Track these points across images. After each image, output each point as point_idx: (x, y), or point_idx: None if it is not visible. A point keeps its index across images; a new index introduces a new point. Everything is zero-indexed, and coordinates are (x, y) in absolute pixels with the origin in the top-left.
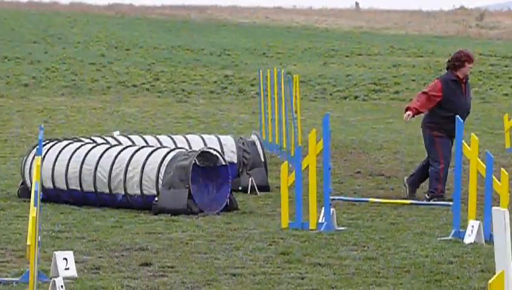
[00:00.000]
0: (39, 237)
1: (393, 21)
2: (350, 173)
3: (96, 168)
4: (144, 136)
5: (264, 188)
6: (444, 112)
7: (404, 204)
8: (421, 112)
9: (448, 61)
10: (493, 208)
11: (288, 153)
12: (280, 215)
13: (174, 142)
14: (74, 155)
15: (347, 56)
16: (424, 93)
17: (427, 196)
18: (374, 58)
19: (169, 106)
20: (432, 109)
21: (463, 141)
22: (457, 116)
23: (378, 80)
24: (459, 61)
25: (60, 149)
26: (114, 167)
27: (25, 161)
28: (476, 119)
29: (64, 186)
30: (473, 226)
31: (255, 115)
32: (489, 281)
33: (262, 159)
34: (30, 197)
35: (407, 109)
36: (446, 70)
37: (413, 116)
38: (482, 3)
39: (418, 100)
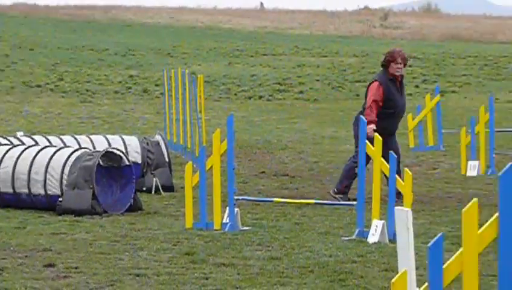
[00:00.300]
0: None
1: (297, 21)
2: (254, 173)
3: None
4: (47, 136)
5: (169, 188)
6: (383, 110)
7: (308, 204)
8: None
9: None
10: (396, 207)
11: (193, 153)
12: (184, 215)
13: (78, 143)
14: None
15: (252, 56)
16: (374, 101)
17: (331, 191)
18: (279, 58)
19: (74, 106)
20: None
21: (366, 141)
22: (361, 116)
23: (282, 80)
24: (384, 60)
25: None
26: (17, 166)
27: None
28: None
29: None
30: (376, 226)
31: (160, 115)
32: (392, 281)
33: (167, 159)
34: None
35: (369, 123)
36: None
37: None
38: (386, 4)
39: (372, 111)
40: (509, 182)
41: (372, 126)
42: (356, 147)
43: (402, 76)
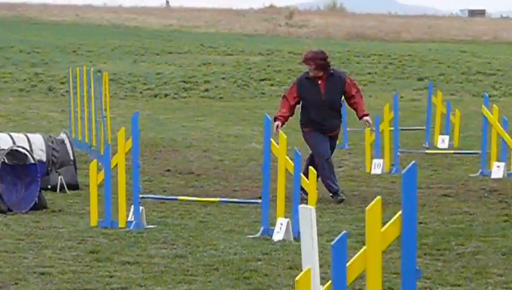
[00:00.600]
0: None
1: (203, 19)
2: (160, 171)
3: None
4: None
5: (73, 186)
6: (303, 108)
7: (213, 202)
8: (287, 116)
9: None
10: (300, 205)
11: (98, 152)
12: (89, 213)
13: None
14: None
15: (157, 54)
16: (283, 97)
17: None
18: (184, 56)
19: None
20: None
21: (271, 139)
22: (267, 115)
23: (188, 78)
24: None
25: None
26: None
27: None
28: None
29: None
30: (281, 224)
31: (65, 113)
32: (296, 278)
33: (72, 158)
34: None
35: (275, 119)
36: None
37: (282, 124)
38: (291, 2)
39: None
40: (412, 180)
41: (277, 123)
42: None
43: (328, 74)
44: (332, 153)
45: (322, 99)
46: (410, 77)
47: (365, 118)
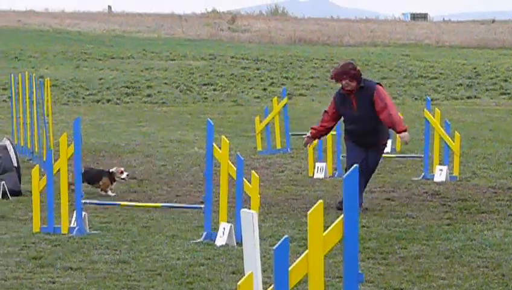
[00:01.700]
0: None
1: (145, 24)
2: None
3: None
4: None
5: (16, 192)
6: (345, 122)
7: (156, 207)
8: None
9: None
10: (242, 210)
11: (41, 157)
12: (32, 219)
13: None
14: None
15: (99, 59)
16: (325, 111)
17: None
18: (127, 61)
19: None
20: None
21: (214, 144)
22: (209, 120)
23: (130, 83)
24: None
25: None
26: None
27: None
28: (228, 122)
29: None
30: (224, 229)
31: (7, 119)
32: (238, 283)
33: (15, 164)
34: None
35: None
36: None
37: (312, 136)
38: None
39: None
40: (354, 184)
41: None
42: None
43: (356, 89)
44: (372, 165)
45: (354, 115)
46: None
47: (400, 134)
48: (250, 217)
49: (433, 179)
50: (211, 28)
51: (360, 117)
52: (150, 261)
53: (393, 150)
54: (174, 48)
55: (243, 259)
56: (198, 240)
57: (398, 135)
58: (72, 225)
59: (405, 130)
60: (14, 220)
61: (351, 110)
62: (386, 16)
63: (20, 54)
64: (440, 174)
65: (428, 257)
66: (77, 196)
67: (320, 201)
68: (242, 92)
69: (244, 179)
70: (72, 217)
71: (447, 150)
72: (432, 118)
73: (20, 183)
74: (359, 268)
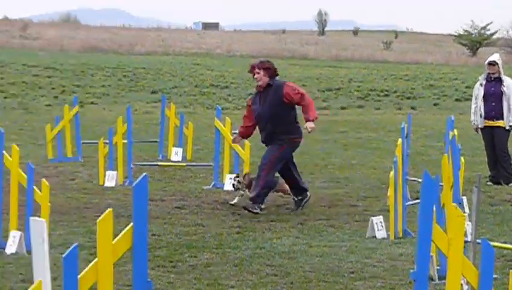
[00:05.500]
0: None
1: None
2: None
3: None
4: None
5: None
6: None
7: None
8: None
9: None
10: (31, 218)
11: None
12: None
13: None
14: None
15: None
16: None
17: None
18: None
19: None
20: None
21: (4, 152)
22: (0, 128)
23: None
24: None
25: None
26: None
27: None
28: (19, 130)
29: None
30: (14, 237)
31: None
32: None
33: None
34: None
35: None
36: None
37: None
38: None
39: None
40: (143, 192)
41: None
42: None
43: (268, 86)
44: (265, 158)
45: (259, 112)
46: (143, 89)
47: (309, 123)
48: (39, 226)
49: (223, 187)
50: (2, 35)
51: (263, 113)
52: None
53: (184, 158)
54: None
55: (32, 267)
56: None
57: (306, 122)
58: None
59: (314, 120)
60: None
61: (258, 106)
62: (179, 25)
63: None
64: (230, 182)
65: (218, 265)
66: None
67: (110, 209)
68: (33, 99)
69: (35, 187)
70: None
71: (237, 158)
72: (223, 127)
73: None
74: (148, 276)
